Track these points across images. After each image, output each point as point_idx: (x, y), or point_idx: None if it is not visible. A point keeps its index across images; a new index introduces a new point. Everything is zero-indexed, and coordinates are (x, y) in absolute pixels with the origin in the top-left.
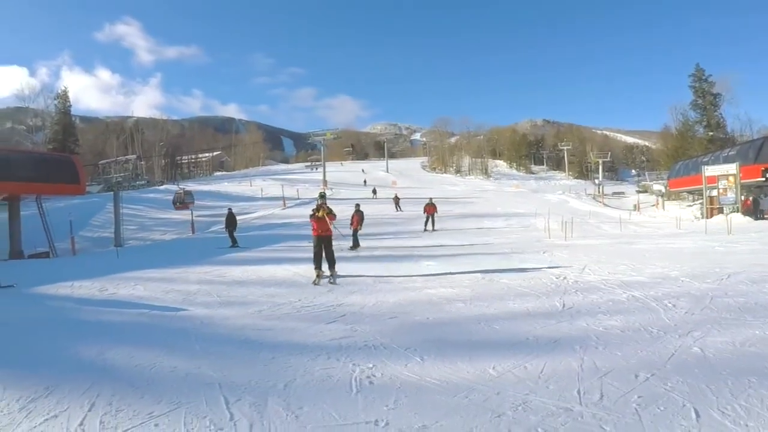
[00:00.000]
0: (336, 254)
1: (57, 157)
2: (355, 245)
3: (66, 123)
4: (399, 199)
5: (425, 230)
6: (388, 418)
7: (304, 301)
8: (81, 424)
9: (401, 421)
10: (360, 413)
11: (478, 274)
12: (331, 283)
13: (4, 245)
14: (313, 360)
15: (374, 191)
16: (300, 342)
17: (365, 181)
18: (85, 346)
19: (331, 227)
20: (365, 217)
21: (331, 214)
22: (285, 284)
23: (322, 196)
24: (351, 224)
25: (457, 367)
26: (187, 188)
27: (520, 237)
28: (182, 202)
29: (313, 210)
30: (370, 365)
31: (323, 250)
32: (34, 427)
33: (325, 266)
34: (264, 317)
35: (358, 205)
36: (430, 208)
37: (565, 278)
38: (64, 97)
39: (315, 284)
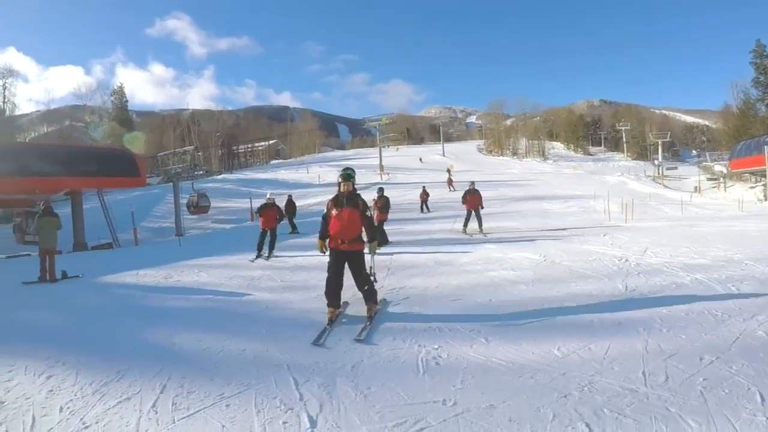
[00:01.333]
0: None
1: (117, 151)
2: (383, 241)
3: (123, 118)
4: (452, 180)
5: (464, 231)
6: (456, 397)
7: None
8: (153, 405)
9: (469, 401)
10: (427, 393)
11: (539, 257)
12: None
13: (69, 238)
14: (378, 341)
15: (448, 170)
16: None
17: (420, 159)
18: (153, 331)
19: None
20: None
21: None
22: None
23: (348, 176)
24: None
25: (522, 348)
26: (202, 191)
27: (579, 219)
28: (196, 206)
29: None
30: (436, 346)
31: (347, 271)
32: (108, 409)
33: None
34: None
35: (381, 190)
36: (473, 199)
37: (626, 261)
38: (120, 93)
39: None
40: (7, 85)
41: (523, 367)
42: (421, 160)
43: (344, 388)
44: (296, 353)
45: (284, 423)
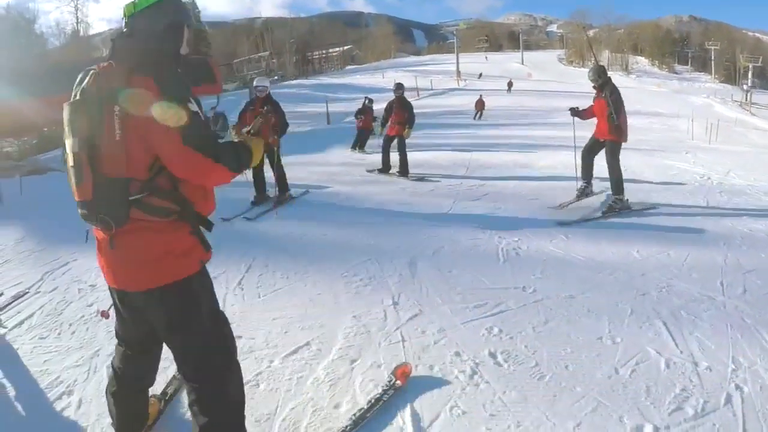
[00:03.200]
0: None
1: (192, 60)
2: (404, 171)
3: (196, 30)
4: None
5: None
6: (536, 285)
7: (446, 181)
8: (239, 283)
9: (549, 290)
10: (508, 279)
11: (623, 169)
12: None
13: None
14: (458, 231)
15: (509, 85)
16: (445, 216)
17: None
18: (234, 228)
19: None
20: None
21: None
22: (426, 166)
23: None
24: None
25: (602, 247)
26: (220, 111)
27: (661, 136)
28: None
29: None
30: (516, 239)
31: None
32: None
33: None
34: (408, 194)
35: (368, 100)
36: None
37: (709, 179)
38: (192, 5)
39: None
40: (78, 6)
41: (602, 264)
42: (480, 75)
43: (426, 271)
44: (377, 239)
45: (368, 300)
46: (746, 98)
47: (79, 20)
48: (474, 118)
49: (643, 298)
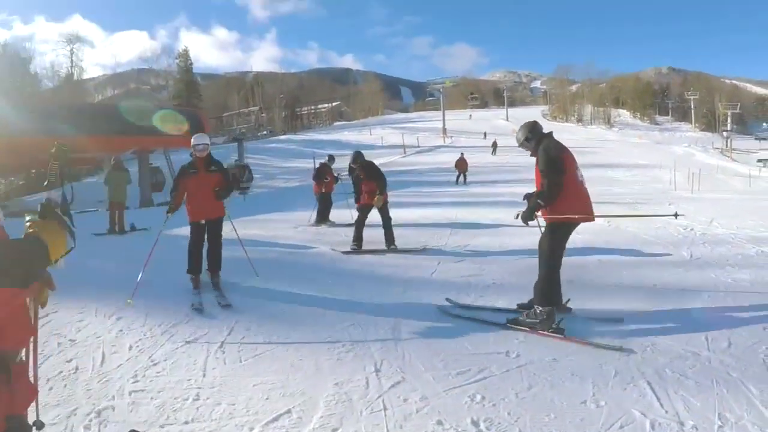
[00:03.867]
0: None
1: (182, 111)
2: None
3: (188, 80)
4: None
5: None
6: (519, 350)
7: (431, 242)
8: (221, 346)
9: (532, 354)
10: (491, 344)
11: (604, 223)
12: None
13: (136, 194)
14: (442, 295)
15: (494, 146)
16: (429, 279)
17: (485, 134)
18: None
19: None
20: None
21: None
22: (411, 227)
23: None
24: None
25: (587, 308)
26: (244, 163)
27: (644, 188)
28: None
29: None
30: (499, 302)
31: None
32: (176, 348)
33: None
34: (392, 255)
35: (330, 158)
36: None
37: (692, 230)
38: (184, 56)
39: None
40: (74, 50)
41: (591, 323)
42: (470, 116)
43: (409, 336)
44: (362, 301)
45: (350, 367)
46: (726, 144)
47: (74, 64)
48: (456, 181)
49: (627, 358)
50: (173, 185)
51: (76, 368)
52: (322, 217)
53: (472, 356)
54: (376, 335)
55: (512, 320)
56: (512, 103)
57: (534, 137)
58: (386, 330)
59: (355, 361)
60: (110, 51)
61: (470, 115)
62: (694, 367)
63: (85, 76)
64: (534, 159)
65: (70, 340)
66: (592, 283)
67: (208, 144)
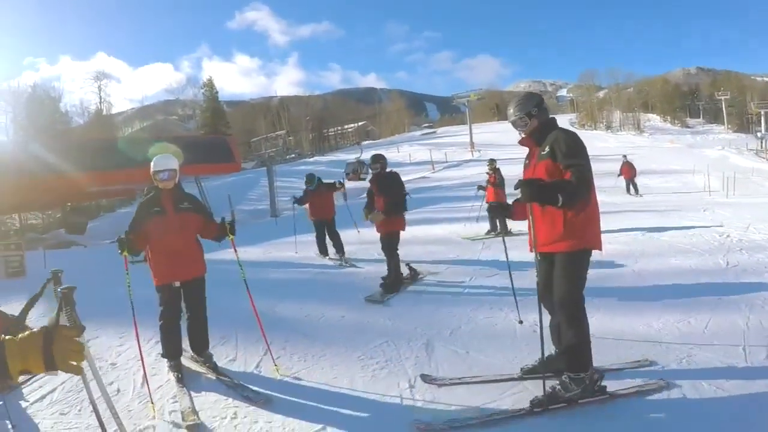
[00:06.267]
0: None
1: (212, 139)
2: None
3: (215, 108)
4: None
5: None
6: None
7: (462, 257)
8: (257, 366)
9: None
10: (526, 359)
11: (637, 232)
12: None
13: None
14: (475, 310)
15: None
16: (462, 294)
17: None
18: (256, 300)
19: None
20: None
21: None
22: (442, 242)
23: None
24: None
25: (621, 319)
26: (361, 159)
27: (678, 194)
28: (354, 171)
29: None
30: (534, 316)
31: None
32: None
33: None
34: (425, 272)
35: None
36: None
37: (728, 236)
38: (210, 85)
39: None
40: (101, 86)
41: (621, 335)
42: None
43: (443, 352)
44: (395, 320)
45: (384, 384)
46: (761, 145)
47: (102, 99)
48: (628, 191)
49: (663, 371)
50: (129, 228)
51: (118, 390)
52: (319, 248)
53: (503, 366)
54: (410, 352)
55: (539, 401)
56: None
57: (541, 114)
58: (420, 346)
59: (390, 378)
60: (136, 85)
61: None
62: (731, 380)
63: (114, 111)
64: (523, 148)
65: (111, 363)
66: (626, 295)
67: (175, 170)
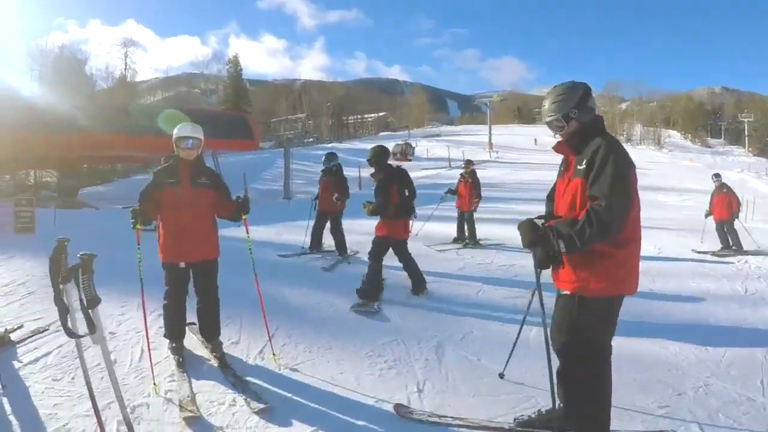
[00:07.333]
0: None
1: (232, 115)
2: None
3: (238, 86)
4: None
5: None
6: None
7: (477, 259)
8: (260, 352)
9: None
10: (538, 370)
11: (654, 249)
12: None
13: None
14: (488, 315)
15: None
16: (475, 298)
17: (536, 141)
18: (264, 283)
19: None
20: None
21: None
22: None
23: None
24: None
25: (638, 342)
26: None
27: (696, 214)
28: (402, 152)
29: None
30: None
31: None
32: None
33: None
34: (439, 273)
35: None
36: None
37: (746, 262)
38: (235, 62)
39: None
40: (128, 53)
41: (638, 360)
42: (536, 141)
43: (453, 357)
44: (405, 318)
45: (391, 385)
46: None
47: (128, 66)
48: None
49: (678, 398)
50: (140, 196)
51: (115, 361)
52: (312, 240)
53: (518, 383)
54: (420, 353)
55: None
56: None
57: (583, 115)
58: (430, 349)
59: (397, 379)
60: (162, 55)
61: (535, 140)
62: (748, 414)
63: (138, 79)
64: (556, 152)
65: (110, 332)
66: (639, 318)
67: (200, 140)
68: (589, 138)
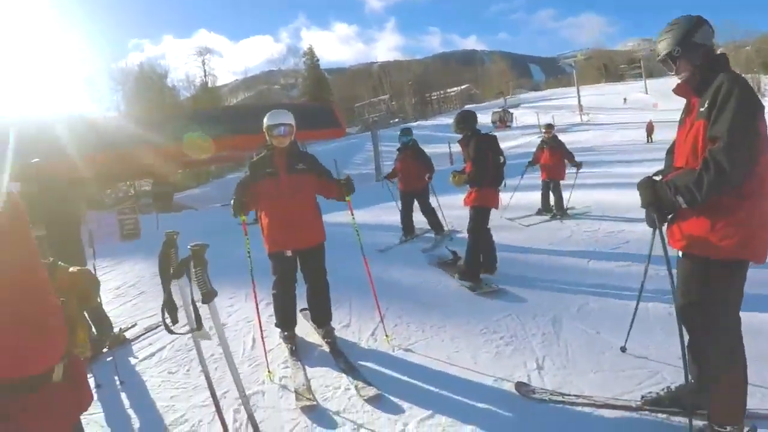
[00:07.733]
0: None
1: (317, 105)
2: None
3: (316, 76)
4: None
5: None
6: None
7: (583, 227)
8: (373, 333)
9: None
10: (662, 345)
11: None
12: None
13: None
14: (602, 285)
15: (650, 129)
16: (586, 268)
17: (625, 100)
18: (369, 263)
19: None
20: None
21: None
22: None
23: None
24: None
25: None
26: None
27: None
28: (501, 120)
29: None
30: (666, 297)
31: None
32: None
33: None
34: (546, 243)
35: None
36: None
37: None
38: (310, 54)
39: None
40: (205, 60)
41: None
42: (625, 100)
43: (572, 330)
44: (519, 292)
45: (509, 362)
46: None
47: (207, 73)
48: None
49: None
50: (236, 188)
51: None
52: (404, 228)
53: (641, 358)
54: (536, 328)
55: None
56: (651, 75)
57: (691, 51)
58: (546, 322)
59: (515, 356)
60: (238, 57)
61: (625, 99)
62: None
63: (219, 83)
64: (677, 94)
65: (221, 324)
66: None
67: (292, 126)
68: (711, 76)
